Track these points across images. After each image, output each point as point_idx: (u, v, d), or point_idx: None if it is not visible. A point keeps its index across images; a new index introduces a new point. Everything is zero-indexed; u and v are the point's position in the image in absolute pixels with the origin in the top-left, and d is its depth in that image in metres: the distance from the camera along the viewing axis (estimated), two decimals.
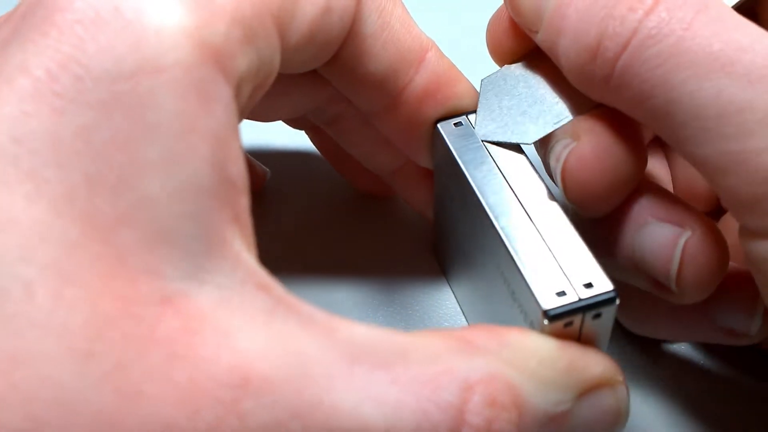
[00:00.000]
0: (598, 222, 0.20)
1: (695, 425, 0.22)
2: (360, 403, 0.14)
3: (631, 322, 0.23)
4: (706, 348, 0.24)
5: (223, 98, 0.15)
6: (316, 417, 0.13)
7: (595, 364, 0.17)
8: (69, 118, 0.13)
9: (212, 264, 0.14)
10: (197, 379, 0.13)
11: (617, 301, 0.17)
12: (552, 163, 0.20)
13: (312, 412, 0.14)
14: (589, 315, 0.17)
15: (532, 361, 0.16)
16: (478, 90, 0.22)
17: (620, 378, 0.18)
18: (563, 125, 0.20)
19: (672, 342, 0.24)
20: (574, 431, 0.17)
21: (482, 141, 0.21)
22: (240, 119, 0.16)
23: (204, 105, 0.14)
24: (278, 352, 0.14)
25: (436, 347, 0.16)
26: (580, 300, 0.17)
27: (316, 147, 0.28)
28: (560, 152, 0.19)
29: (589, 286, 0.17)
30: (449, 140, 0.21)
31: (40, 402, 0.12)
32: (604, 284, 0.17)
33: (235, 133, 0.15)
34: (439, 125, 0.22)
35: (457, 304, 0.25)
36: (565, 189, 0.19)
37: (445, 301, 0.25)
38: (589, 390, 0.17)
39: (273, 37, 0.17)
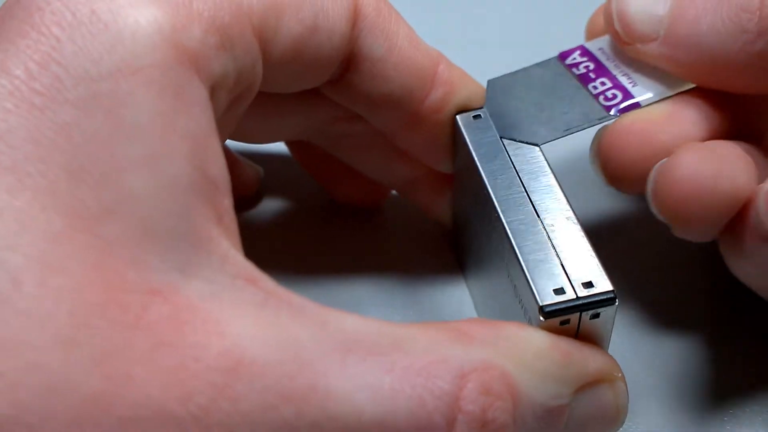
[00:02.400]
0: None
1: (697, 423, 0.22)
2: (354, 391, 0.14)
3: None
4: (708, 346, 0.23)
5: (201, 100, 0.15)
6: (309, 402, 0.14)
7: (593, 359, 0.17)
8: (49, 115, 0.14)
9: (199, 259, 0.14)
10: (187, 365, 0.13)
11: (616, 302, 0.17)
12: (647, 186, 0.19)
13: (305, 397, 0.14)
14: (586, 314, 0.17)
15: (527, 353, 0.16)
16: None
17: (619, 374, 0.18)
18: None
19: None
20: (572, 426, 0.17)
21: (500, 136, 0.21)
22: (225, 133, 0.17)
23: (181, 106, 0.15)
24: (270, 339, 0.14)
25: (431, 338, 0.16)
26: (577, 298, 0.17)
27: (296, 159, 0.27)
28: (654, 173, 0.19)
29: (588, 285, 0.17)
30: (466, 132, 0.21)
31: (26, 389, 0.12)
32: (604, 284, 0.17)
33: (214, 134, 0.15)
34: (458, 117, 0.22)
35: (471, 300, 0.25)
36: (659, 209, 0.19)
37: (460, 298, 0.25)
38: (587, 385, 0.17)
39: (252, 47, 0.17)
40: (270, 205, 0.28)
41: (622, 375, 0.18)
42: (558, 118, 0.21)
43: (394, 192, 0.27)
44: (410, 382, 0.14)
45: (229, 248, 0.15)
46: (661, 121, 0.20)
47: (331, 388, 0.14)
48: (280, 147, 0.28)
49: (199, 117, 0.15)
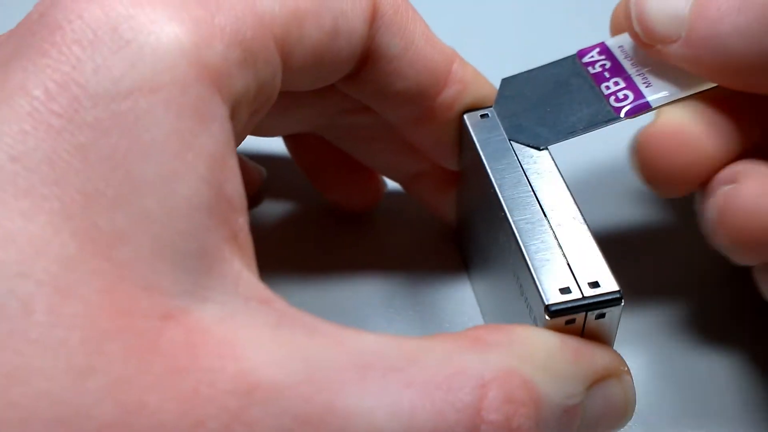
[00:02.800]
0: None
1: (701, 417, 0.22)
2: (373, 408, 0.14)
3: None
4: (710, 340, 0.24)
5: (219, 117, 0.15)
6: (327, 423, 0.13)
7: (600, 355, 0.17)
8: (66, 137, 0.14)
9: (213, 281, 0.14)
10: (201, 390, 0.13)
11: (622, 303, 0.17)
12: (708, 213, 0.19)
13: (323, 418, 0.13)
14: (592, 314, 0.17)
15: (541, 355, 0.16)
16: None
17: (625, 368, 0.18)
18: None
19: None
20: (586, 424, 0.17)
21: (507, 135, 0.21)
22: (239, 141, 0.16)
23: (200, 124, 0.15)
24: (285, 361, 0.14)
25: (447, 349, 0.15)
26: (583, 298, 0.17)
27: (293, 157, 0.27)
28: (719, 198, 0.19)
29: (595, 285, 0.17)
30: (473, 131, 0.21)
31: (39, 420, 0.12)
32: (610, 284, 0.17)
33: (232, 152, 0.15)
34: (465, 116, 0.22)
35: (472, 299, 0.25)
36: (723, 236, 0.19)
37: (462, 298, 0.25)
38: (596, 381, 0.17)
39: (274, 59, 0.17)
40: (272, 205, 0.28)
41: (628, 368, 0.18)
42: (564, 120, 0.21)
43: (393, 190, 0.27)
44: (430, 397, 0.14)
45: (242, 269, 0.15)
46: (700, 127, 0.20)
47: (349, 408, 0.14)
48: (283, 147, 0.28)
49: (218, 135, 0.15)
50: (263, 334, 0.14)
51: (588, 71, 0.22)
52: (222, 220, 0.15)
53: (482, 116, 0.22)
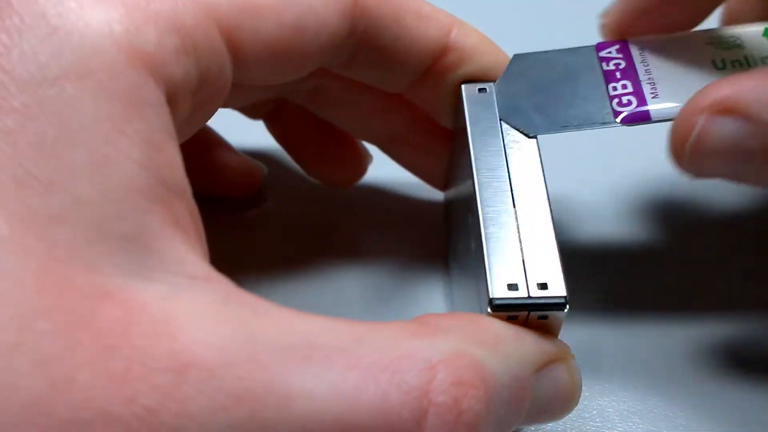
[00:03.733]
0: None
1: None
2: (314, 389, 0.14)
3: None
4: (707, 343, 0.24)
5: (155, 104, 0.15)
6: (264, 403, 0.13)
7: (545, 341, 0.17)
8: None
9: (154, 262, 0.14)
10: (133, 367, 0.13)
11: (566, 308, 0.17)
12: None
13: (260, 398, 0.13)
14: (534, 314, 0.17)
15: (489, 337, 0.16)
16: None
17: (571, 354, 0.18)
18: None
19: None
20: (534, 408, 0.17)
21: (499, 117, 0.21)
22: (189, 131, 0.16)
23: (133, 109, 0.14)
24: (227, 338, 0.14)
25: (395, 333, 0.15)
26: (529, 297, 0.17)
27: (274, 137, 0.27)
28: None
29: (543, 286, 0.17)
30: (467, 106, 0.21)
31: None
32: (558, 288, 0.17)
33: (170, 138, 0.15)
34: (463, 87, 0.21)
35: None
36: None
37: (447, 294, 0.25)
38: (544, 365, 0.17)
39: (220, 50, 0.17)
40: (273, 203, 0.28)
41: (573, 354, 0.18)
42: (561, 112, 0.21)
43: (384, 188, 0.27)
44: (375, 379, 0.14)
45: (187, 251, 0.15)
46: None
47: (289, 388, 0.13)
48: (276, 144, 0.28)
49: (154, 120, 0.15)
50: (207, 313, 0.14)
51: (602, 67, 0.21)
52: (162, 205, 0.15)
53: (480, 90, 0.21)
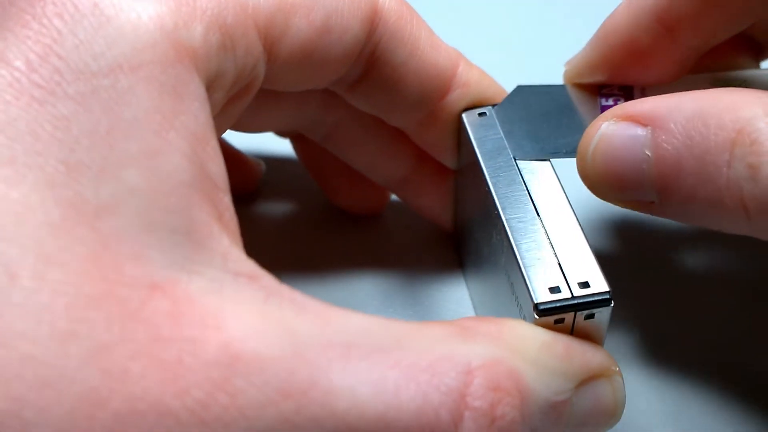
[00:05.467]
0: None
1: (690, 420, 0.21)
2: (356, 386, 0.14)
3: None
4: (709, 347, 0.23)
5: (199, 98, 0.15)
6: (309, 398, 0.13)
7: (591, 354, 0.17)
8: (48, 108, 0.14)
9: (201, 256, 0.14)
10: (184, 359, 0.13)
11: (612, 304, 0.17)
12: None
13: (305, 393, 0.13)
14: (581, 314, 0.17)
15: (532, 348, 0.16)
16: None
17: (616, 369, 0.18)
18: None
19: None
20: (573, 421, 0.17)
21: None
22: (218, 127, 0.16)
23: (181, 103, 0.15)
24: (271, 335, 0.14)
25: (435, 335, 0.15)
26: (573, 297, 0.17)
27: (300, 159, 0.27)
28: None
29: (585, 285, 0.17)
30: (471, 129, 0.21)
31: (22, 382, 0.12)
32: (600, 285, 0.17)
33: (212, 132, 0.15)
34: (463, 114, 0.22)
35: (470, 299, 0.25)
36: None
37: (460, 298, 0.25)
38: (587, 380, 0.17)
39: (255, 48, 0.17)
40: (271, 201, 0.28)
41: (619, 370, 0.18)
42: (552, 140, 0.21)
43: (394, 196, 0.27)
44: (415, 379, 0.14)
45: (230, 246, 0.15)
46: None
47: (332, 384, 0.13)
48: (282, 144, 0.28)
49: (198, 114, 0.15)
50: (251, 308, 0.14)
51: (600, 102, 0.22)
52: (207, 198, 0.15)
53: (480, 114, 0.22)
